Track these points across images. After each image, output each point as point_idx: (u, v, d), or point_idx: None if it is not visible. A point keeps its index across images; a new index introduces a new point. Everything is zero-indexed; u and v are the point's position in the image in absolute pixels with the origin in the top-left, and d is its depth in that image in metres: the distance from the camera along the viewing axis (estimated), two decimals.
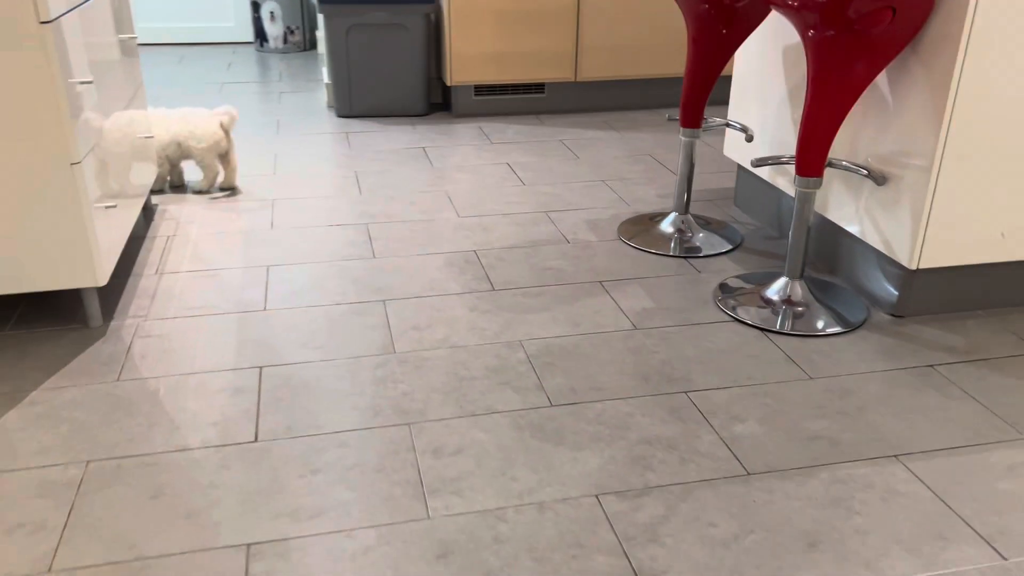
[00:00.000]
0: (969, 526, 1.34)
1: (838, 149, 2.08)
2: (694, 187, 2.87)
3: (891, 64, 1.87)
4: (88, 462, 1.46)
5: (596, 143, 3.35)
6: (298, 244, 2.36)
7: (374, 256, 2.30)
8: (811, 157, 1.89)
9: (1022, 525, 1.34)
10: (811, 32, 1.78)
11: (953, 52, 1.71)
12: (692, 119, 2.34)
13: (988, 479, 1.45)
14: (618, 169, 3.04)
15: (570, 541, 1.30)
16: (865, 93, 1.96)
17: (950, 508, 1.38)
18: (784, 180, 2.33)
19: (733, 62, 2.53)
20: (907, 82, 1.84)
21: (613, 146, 3.31)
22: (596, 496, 1.40)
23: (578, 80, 3.73)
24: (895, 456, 1.51)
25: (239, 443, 1.52)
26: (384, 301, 2.05)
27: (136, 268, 2.20)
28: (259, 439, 1.53)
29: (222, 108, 2.67)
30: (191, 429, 1.55)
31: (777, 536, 1.32)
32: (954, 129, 1.76)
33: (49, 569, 1.23)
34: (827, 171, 2.13)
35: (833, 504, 1.39)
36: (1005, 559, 1.28)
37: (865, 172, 1.95)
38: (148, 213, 2.55)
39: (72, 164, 1.71)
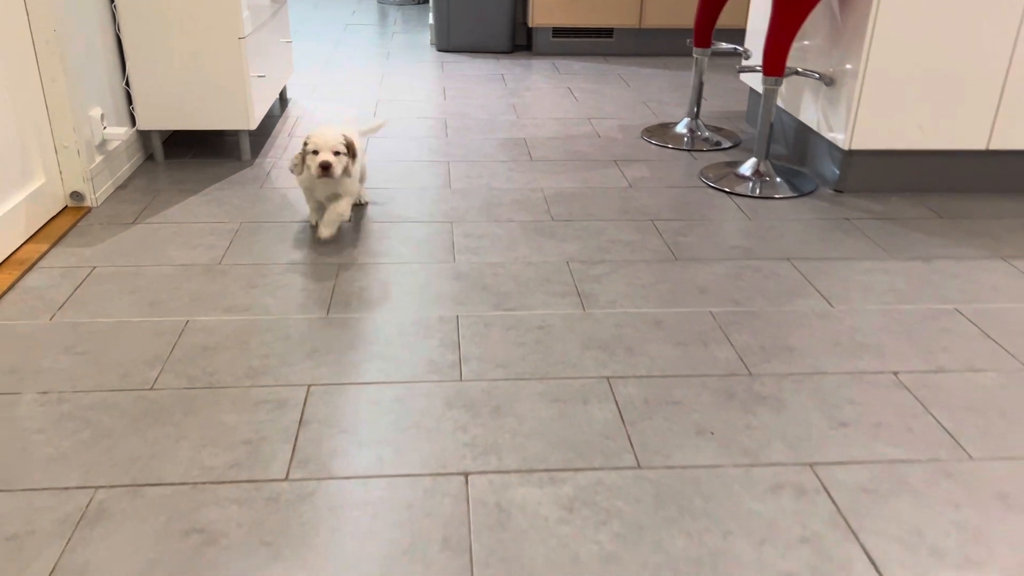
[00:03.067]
0: (818, 291, 1.94)
1: (806, 60, 2.65)
2: (717, 108, 3.45)
3: None
4: (241, 222, 2.24)
5: (648, 77, 3.96)
6: (392, 126, 3.11)
7: (446, 137, 3.02)
8: (773, 60, 2.48)
9: (856, 293, 1.93)
10: None
11: None
12: (703, 40, 2.94)
13: (848, 274, 2.04)
14: (659, 95, 3.65)
15: (542, 278, 1.98)
16: (824, 15, 2.53)
17: (810, 283, 1.98)
18: (779, 99, 2.90)
19: (749, 10, 3.10)
20: (850, 2, 2.40)
21: (661, 80, 3.91)
22: (567, 262, 2.07)
23: (642, 26, 4.34)
24: (787, 259, 2.11)
25: None
26: (448, 161, 2.77)
27: (274, 132, 3.00)
28: (350, 221, 2.28)
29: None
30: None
31: (679, 286, 1.96)
32: (876, 38, 2.32)
33: (220, 262, 2.01)
34: (795, 79, 2.70)
35: (727, 276, 2.01)
36: (832, 306, 1.88)
37: (817, 76, 2.52)
38: (284, 102, 3.36)
39: (239, 38, 2.49)
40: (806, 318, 1.83)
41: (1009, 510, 1.27)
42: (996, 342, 1.74)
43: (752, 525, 1.23)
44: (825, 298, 1.92)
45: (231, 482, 1.29)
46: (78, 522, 1.20)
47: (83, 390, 1.50)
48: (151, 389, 1.51)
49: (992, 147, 2.47)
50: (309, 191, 2.13)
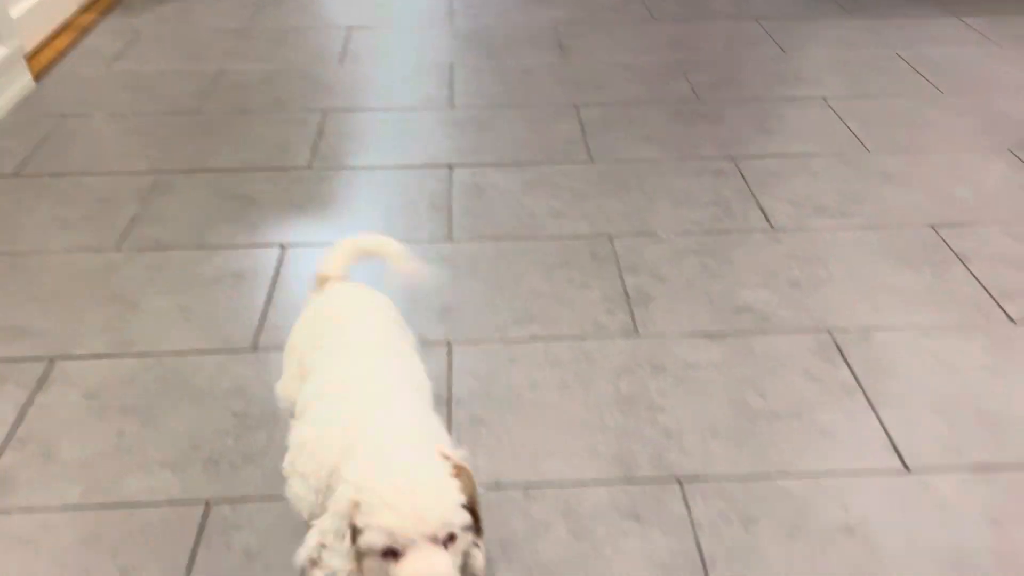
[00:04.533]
0: (775, 42, 2.17)
1: None
2: None
3: None
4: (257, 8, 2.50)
5: None
6: None
7: None
8: None
9: (810, 43, 2.16)
10: None
11: None
12: None
13: (808, 30, 2.25)
14: None
15: (530, 36, 2.24)
16: None
17: (770, 37, 2.21)
18: None
19: None
20: None
21: None
22: (555, 25, 2.32)
23: None
24: (755, 19, 2.32)
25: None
26: None
27: None
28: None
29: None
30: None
31: (653, 40, 2.20)
32: None
33: (247, 27, 2.29)
34: None
35: (697, 33, 2.25)
36: (784, 52, 2.11)
37: None
38: None
39: None
40: (759, 62, 2.07)
41: (886, 183, 1.57)
42: (923, 75, 1.98)
43: (675, 194, 1.55)
44: (780, 47, 2.15)
45: (265, 169, 1.63)
46: (149, 191, 1.56)
47: (142, 113, 1.84)
48: (197, 113, 1.84)
49: None
50: None
